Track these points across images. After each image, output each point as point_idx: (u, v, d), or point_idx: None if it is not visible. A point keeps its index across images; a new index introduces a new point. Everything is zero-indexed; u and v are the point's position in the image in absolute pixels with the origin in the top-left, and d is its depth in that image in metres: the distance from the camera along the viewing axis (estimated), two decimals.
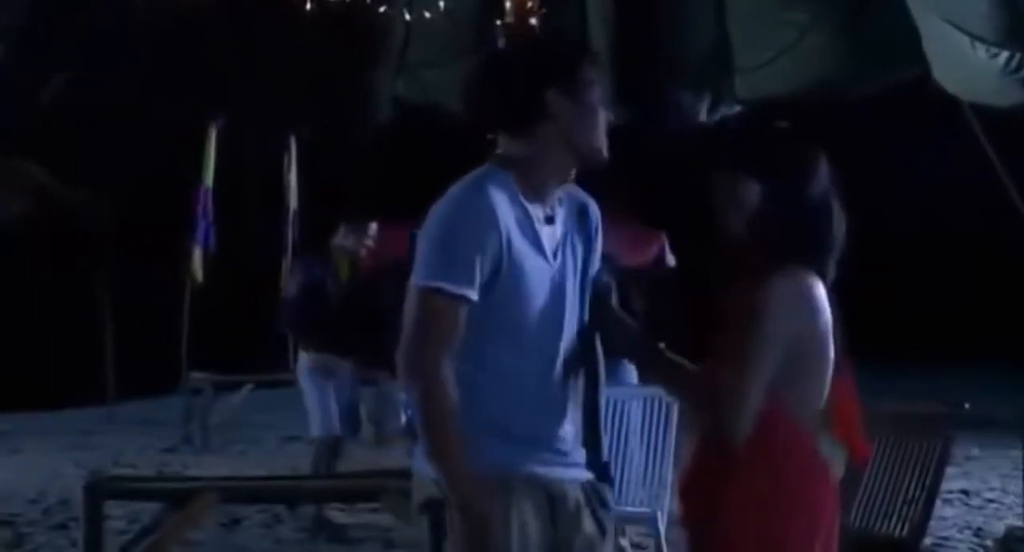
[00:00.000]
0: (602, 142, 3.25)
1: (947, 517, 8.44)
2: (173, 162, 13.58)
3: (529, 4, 4.51)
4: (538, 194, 3.21)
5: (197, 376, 12.41)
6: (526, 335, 3.18)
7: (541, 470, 3.22)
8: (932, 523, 6.24)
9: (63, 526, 8.31)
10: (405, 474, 6.73)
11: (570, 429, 3.29)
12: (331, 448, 8.35)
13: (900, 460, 5.79)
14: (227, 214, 13.31)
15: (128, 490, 6.10)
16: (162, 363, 13.73)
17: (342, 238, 8.44)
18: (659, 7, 5.80)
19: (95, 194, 12.62)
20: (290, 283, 8.76)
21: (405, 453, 8.47)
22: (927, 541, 6.55)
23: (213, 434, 11.93)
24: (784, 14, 6.59)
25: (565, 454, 3.28)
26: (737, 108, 8.87)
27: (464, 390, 3.12)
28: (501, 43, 4.59)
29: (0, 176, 12.04)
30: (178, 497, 5.87)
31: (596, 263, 3.34)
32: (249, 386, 12.39)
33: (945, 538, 7.94)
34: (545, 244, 3.20)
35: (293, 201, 13.65)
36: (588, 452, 3.34)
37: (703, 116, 8.91)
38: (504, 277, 3.13)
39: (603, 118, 3.24)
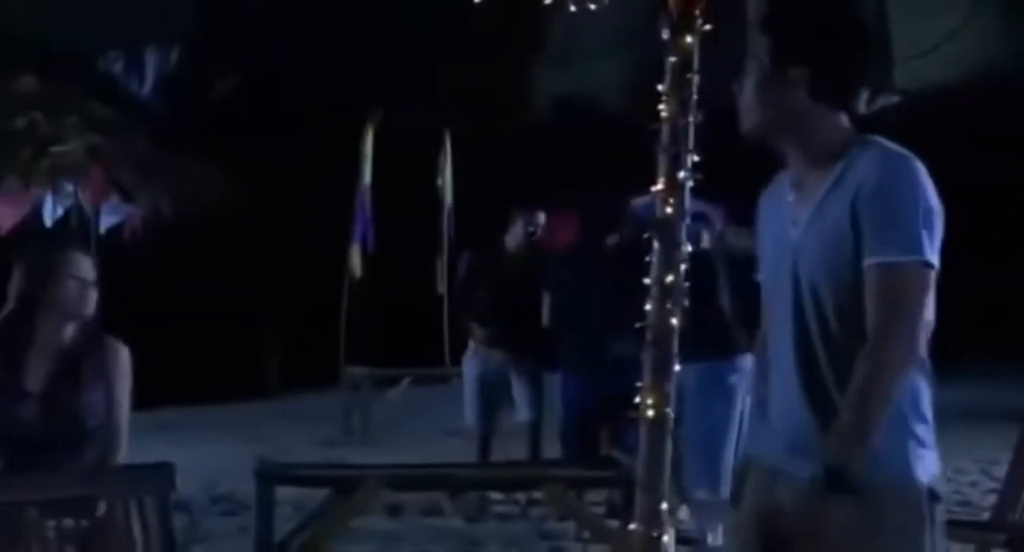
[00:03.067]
0: None
1: None
2: (333, 160, 13.85)
3: None
4: None
5: (355, 371, 12.66)
6: None
7: None
8: None
9: (231, 513, 8.58)
10: (565, 464, 6.85)
11: None
12: (485, 437, 8.56)
13: None
14: (384, 212, 13.55)
15: (297, 476, 6.27)
16: (322, 358, 14.03)
17: (515, 227, 8.74)
18: None
19: (258, 191, 12.93)
20: (461, 272, 9.02)
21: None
22: None
23: (373, 428, 12.15)
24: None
25: None
26: (896, 99, 8.73)
27: None
28: (665, 34, 4.57)
29: (168, 172, 12.40)
30: (344, 484, 6.01)
31: None
32: (408, 380, 12.58)
33: None
34: None
35: (448, 198, 13.83)
36: None
37: (861, 108, 8.76)
38: None
39: None
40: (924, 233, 2.95)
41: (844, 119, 3.15)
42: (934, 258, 2.97)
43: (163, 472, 3.39)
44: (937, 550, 3.06)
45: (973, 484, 8.54)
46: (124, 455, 4.29)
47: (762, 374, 3.34)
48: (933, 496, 3.04)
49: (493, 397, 8.72)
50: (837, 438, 2.95)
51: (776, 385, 3.20)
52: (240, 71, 9.32)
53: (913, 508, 3.00)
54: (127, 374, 4.35)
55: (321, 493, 6.59)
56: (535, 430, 8.75)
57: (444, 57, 11.44)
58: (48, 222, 12.04)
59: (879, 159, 3.03)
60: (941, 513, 3.08)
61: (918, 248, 2.95)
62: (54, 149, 11.91)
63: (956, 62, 7.31)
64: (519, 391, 8.73)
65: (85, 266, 4.40)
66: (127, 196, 12.15)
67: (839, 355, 3.04)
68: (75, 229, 12.03)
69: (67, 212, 11.99)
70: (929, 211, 2.98)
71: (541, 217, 8.91)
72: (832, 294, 3.03)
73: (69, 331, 4.35)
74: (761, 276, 3.33)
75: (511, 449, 8.78)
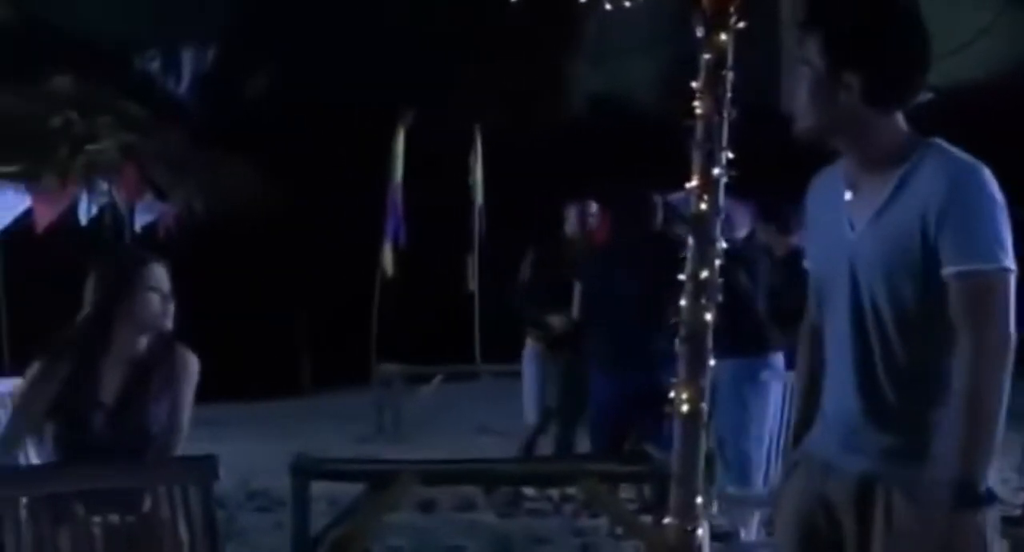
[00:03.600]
0: None
1: None
2: (365, 159, 13.91)
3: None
4: None
5: (388, 368, 12.71)
6: None
7: None
8: None
9: (267, 509, 8.65)
10: (599, 459, 6.87)
11: None
12: (536, 434, 8.66)
13: None
14: (416, 210, 13.60)
15: (333, 471, 6.30)
16: (353, 355, 14.09)
17: (569, 218, 8.84)
18: None
19: (291, 189, 13.00)
20: (524, 269, 9.09)
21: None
22: None
23: (405, 425, 12.20)
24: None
25: None
26: (929, 96, 8.64)
27: None
28: (699, 32, 4.60)
29: (202, 170, 12.47)
30: (380, 478, 6.04)
31: None
32: (440, 378, 12.63)
33: None
34: None
35: (479, 197, 13.88)
36: None
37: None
38: None
39: None
40: (1002, 239, 2.99)
41: (901, 121, 3.14)
42: (1012, 263, 3.00)
43: (207, 463, 3.44)
44: (994, 550, 3.08)
45: (1004, 481, 8.57)
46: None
47: (809, 367, 3.36)
48: (990, 496, 3.06)
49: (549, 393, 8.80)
50: (955, 453, 2.96)
51: (833, 381, 3.22)
52: (274, 71, 9.38)
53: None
54: (193, 383, 4.48)
55: (355, 488, 6.64)
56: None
57: (476, 56, 11.47)
58: (83, 220, 12.13)
59: (948, 167, 3.04)
60: (996, 513, 3.09)
61: (997, 255, 2.98)
62: (89, 147, 12.00)
63: (987, 59, 7.17)
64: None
65: (163, 278, 4.49)
66: (161, 194, 12.23)
67: (896, 357, 3.07)
68: (110, 227, 12.13)
69: (102, 210, 12.07)
70: (1004, 217, 3.01)
71: (593, 207, 9.01)
72: (893, 298, 3.06)
73: (144, 342, 4.45)
74: (810, 268, 3.35)
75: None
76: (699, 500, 4.59)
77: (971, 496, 2.96)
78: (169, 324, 4.49)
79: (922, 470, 3.01)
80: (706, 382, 4.63)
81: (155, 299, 4.44)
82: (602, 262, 7.64)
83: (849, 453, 3.13)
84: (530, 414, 8.92)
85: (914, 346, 3.05)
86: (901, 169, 3.07)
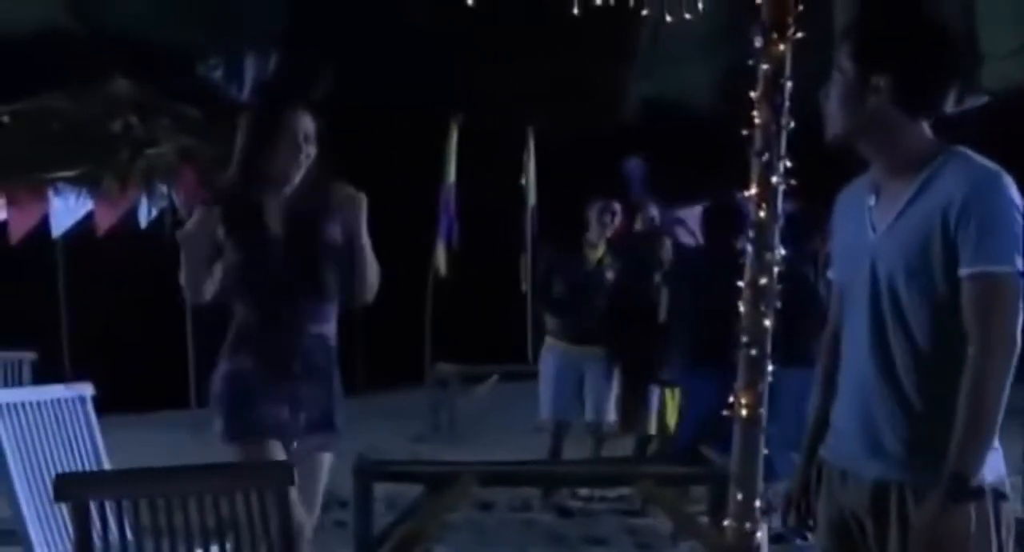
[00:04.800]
0: None
1: None
2: (420, 160, 14.01)
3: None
4: None
5: (443, 367, 12.80)
6: None
7: None
8: None
9: (324, 508, 8.73)
10: (658, 461, 6.93)
11: None
12: (556, 434, 8.72)
13: None
14: (469, 211, 13.68)
15: (395, 473, 6.42)
16: (408, 355, 14.18)
17: (591, 220, 8.86)
18: None
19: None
20: (544, 273, 9.14)
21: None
22: None
23: (460, 424, 12.29)
24: None
25: None
26: (984, 99, 8.67)
27: None
28: (757, 43, 4.66)
29: None
30: (440, 480, 6.15)
31: None
32: (495, 377, 12.71)
33: None
34: None
35: (532, 198, 13.95)
36: None
37: (948, 108, 8.73)
38: None
39: None
40: (1020, 243, 3.06)
41: (927, 128, 3.22)
42: None
43: (283, 469, 3.54)
44: (1008, 549, 3.15)
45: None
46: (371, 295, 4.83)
47: (827, 371, 3.42)
48: (999, 495, 3.13)
49: (569, 394, 8.85)
50: (956, 450, 3.03)
51: (849, 386, 3.28)
52: (330, 74, 9.47)
53: (980, 507, 3.09)
54: (362, 210, 4.75)
55: (412, 489, 6.73)
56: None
57: (531, 58, 11.54)
58: (143, 224, 12.27)
59: (970, 171, 3.12)
60: (1008, 512, 3.16)
61: (1013, 258, 3.05)
62: (148, 151, 12.12)
63: None
64: (590, 390, 8.84)
65: (307, 122, 4.76)
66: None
67: (917, 358, 3.13)
68: (170, 230, 12.26)
69: (161, 213, 12.20)
70: (1021, 224, 3.08)
71: (616, 207, 8.97)
72: (912, 298, 3.13)
73: (298, 178, 4.69)
74: (834, 275, 3.42)
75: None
76: (758, 503, 4.66)
77: (961, 489, 3.02)
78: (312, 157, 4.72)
79: (938, 473, 3.06)
80: (764, 387, 4.70)
81: (299, 140, 4.67)
82: (699, 267, 7.63)
83: (867, 459, 3.20)
84: (545, 411, 8.95)
85: (933, 348, 3.12)
86: (924, 173, 3.15)
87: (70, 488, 3.19)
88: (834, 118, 3.25)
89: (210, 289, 4.69)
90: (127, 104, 12.51)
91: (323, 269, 4.70)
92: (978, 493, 3.06)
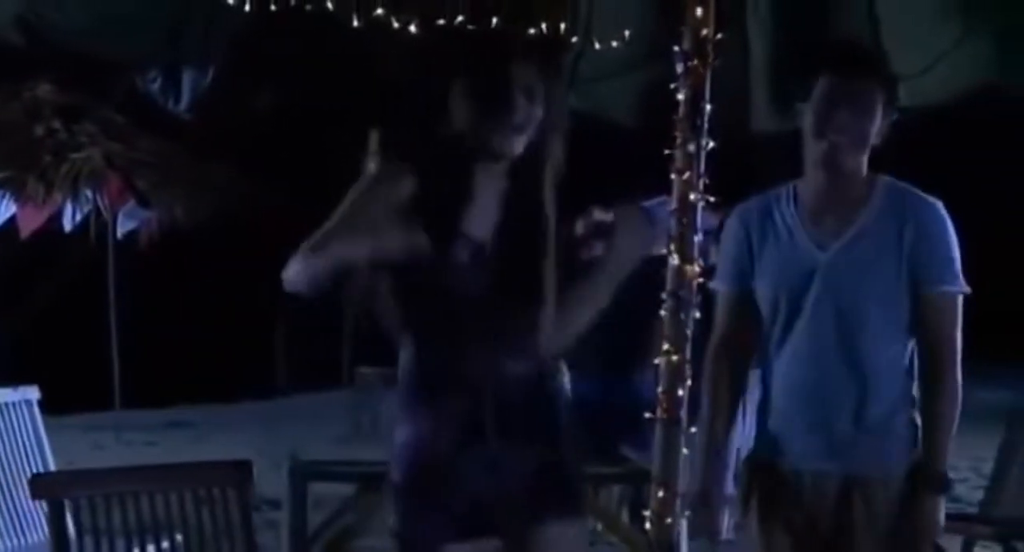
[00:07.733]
0: None
1: None
2: (348, 165, 14.09)
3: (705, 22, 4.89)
4: None
5: (364, 372, 12.93)
6: None
7: None
8: None
9: (255, 508, 8.85)
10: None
11: None
12: None
13: None
14: None
15: (330, 472, 6.57)
16: (329, 358, 14.31)
17: None
18: (813, 19, 6.10)
19: (275, 196, 13.17)
20: None
21: None
22: None
23: (383, 426, 12.43)
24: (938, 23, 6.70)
25: None
26: (894, 116, 8.88)
27: None
28: (679, 68, 4.95)
29: (185, 180, 12.66)
30: (375, 479, 6.31)
31: None
32: None
33: None
34: None
35: None
36: None
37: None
38: None
39: None
40: (959, 266, 3.52)
41: None
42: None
43: (243, 468, 3.66)
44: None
45: (963, 480, 8.92)
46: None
47: (731, 378, 3.66)
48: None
49: None
50: (939, 450, 3.46)
51: (801, 390, 3.53)
52: (267, 82, 9.63)
53: None
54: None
55: (341, 489, 6.85)
56: None
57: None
58: (67, 226, 12.30)
59: (915, 200, 3.53)
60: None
61: (960, 279, 3.51)
62: (73, 156, 12.15)
63: (950, 82, 7.43)
64: None
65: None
66: (144, 202, 12.40)
67: (878, 363, 3.49)
68: (94, 234, 12.32)
69: (86, 217, 12.23)
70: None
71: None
72: (874, 310, 3.48)
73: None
74: (762, 286, 3.60)
75: None
76: (678, 501, 4.92)
77: (947, 485, 3.47)
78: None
79: (898, 467, 3.45)
80: (684, 390, 4.98)
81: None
82: None
83: (828, 459, 3.50)
84: None
85: (891, 355, 3.48)
86: (872, 200, 3.51)
87: (46, 486, 3.31)
88: (860, 145, 3.51)
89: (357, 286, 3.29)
90: (51, 109, 12.52)
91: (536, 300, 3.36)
92: (948, 486, 3.47)
